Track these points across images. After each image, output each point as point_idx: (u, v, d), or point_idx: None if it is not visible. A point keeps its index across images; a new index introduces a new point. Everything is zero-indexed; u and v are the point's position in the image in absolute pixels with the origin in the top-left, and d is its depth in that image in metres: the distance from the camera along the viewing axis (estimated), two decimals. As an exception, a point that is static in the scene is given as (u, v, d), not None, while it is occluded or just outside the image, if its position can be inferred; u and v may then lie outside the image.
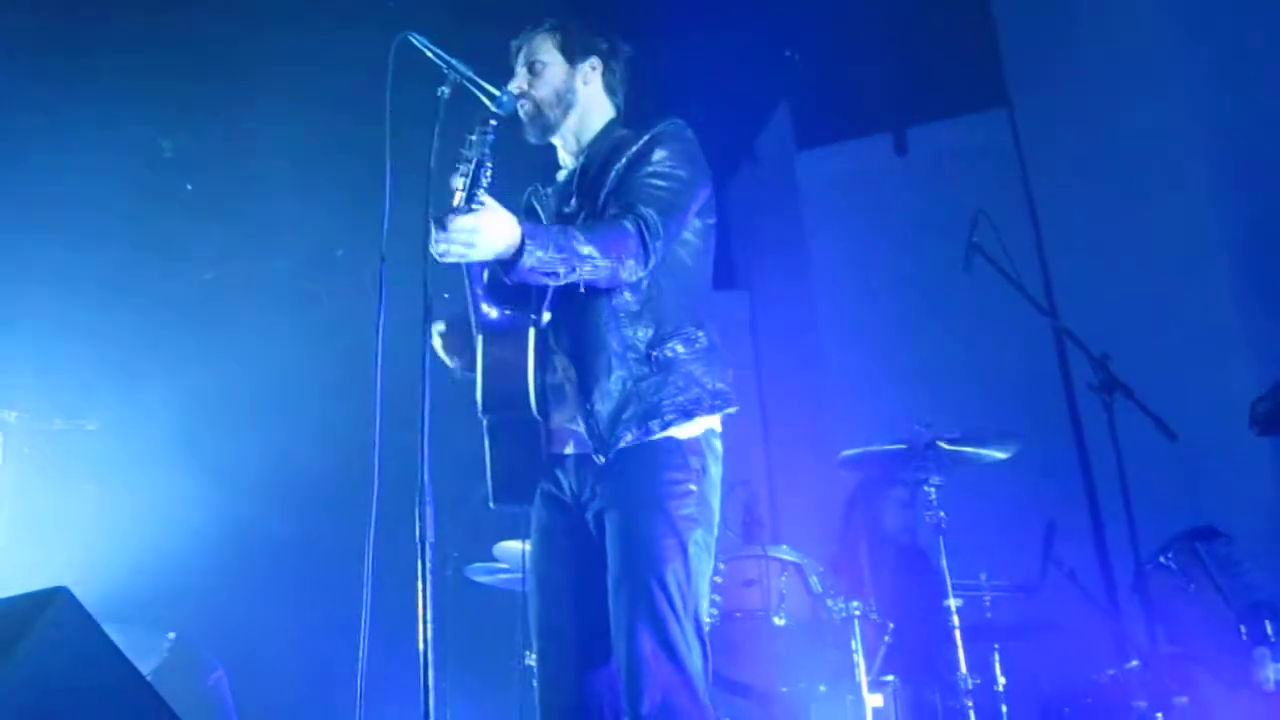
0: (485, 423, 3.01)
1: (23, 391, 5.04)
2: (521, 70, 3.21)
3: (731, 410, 3.03)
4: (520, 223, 2.68)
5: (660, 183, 2.96)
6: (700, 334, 3.01)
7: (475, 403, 3.06)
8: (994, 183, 6.72)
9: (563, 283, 2.79)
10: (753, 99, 8.01)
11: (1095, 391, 4.33)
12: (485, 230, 2.62)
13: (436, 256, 2.65)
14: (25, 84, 5.98)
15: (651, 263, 2.88)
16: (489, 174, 2.61)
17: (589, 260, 2.76)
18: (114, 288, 6.54)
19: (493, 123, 2.62)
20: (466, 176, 2.58)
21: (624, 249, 2.82)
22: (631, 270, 2.86)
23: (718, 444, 3.03)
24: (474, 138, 2.59)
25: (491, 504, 3.06)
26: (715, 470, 2.99)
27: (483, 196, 2.60)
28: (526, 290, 2.93)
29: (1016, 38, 6.76)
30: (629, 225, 2.84)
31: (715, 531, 2.97)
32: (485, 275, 3.02)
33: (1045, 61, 6.55)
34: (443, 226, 2.60)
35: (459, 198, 2.59)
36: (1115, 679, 4.67)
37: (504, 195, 2.69)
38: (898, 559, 5.47)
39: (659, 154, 3.01)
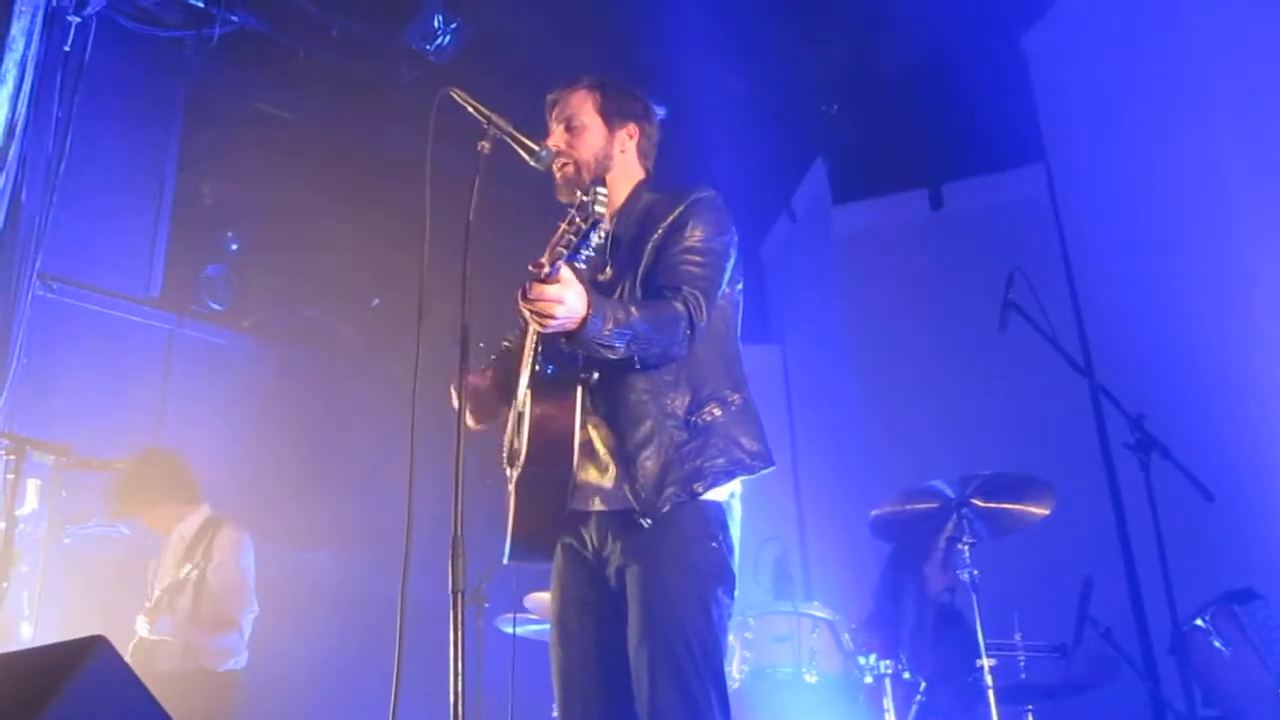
0: (515, 476, 2.97)
1: (58, 433, 5.09)
2: (559, 127, 3.20)
3: (769, 470, 3.02)
4: (591, 295, 2.65)
5: (699, 258, 2.98)
6: (735, 396, 3.03)
7: (503, 456, 3.07)
8: (1029, 239, 6.71)
9: (616, 358, 2.78)
10: (790, 154, 8.07)
11: (1131, 450, 4.31)
12: (568, 302, 2.58)
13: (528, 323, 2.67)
14: None
15: (695, 342, 2.90)
16: (591, 248, 2.50)
17: (644, 339, 2.77)
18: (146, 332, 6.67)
19: (602, 191, 2.45)
20: (566, 247, 2.47)
21: (676, 332, 2.84)
22: (679, 351, 2.88)
23: (738, 506, 3.03)
24: (586, 198, 2.43)
25: (507, 560, 3.01)
26: (735, 531, 3.00)
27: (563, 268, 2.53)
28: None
29: (1053, 93, 6.77)
30: (679, 307, 2.86)
31: (735, 591, 2.96)
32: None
33: (1081, 117, 6.54)
34: (525, 295, 2.56)
35: (548, 262, 2.51)
36: (1151, 742, 4.62)
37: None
38: (937, 619, 5.42)
39: (694, 227, 3.01)
